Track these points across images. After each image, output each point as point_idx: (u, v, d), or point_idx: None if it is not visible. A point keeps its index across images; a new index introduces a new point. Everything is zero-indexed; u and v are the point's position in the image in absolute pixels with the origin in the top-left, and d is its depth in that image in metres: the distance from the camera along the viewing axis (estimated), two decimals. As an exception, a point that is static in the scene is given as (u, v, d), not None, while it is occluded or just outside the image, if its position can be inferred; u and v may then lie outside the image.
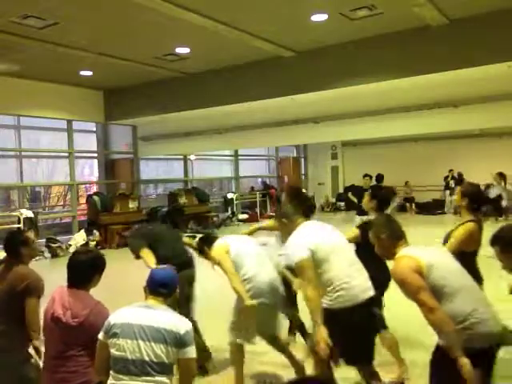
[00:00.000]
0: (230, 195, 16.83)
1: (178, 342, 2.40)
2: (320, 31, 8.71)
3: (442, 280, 2.50)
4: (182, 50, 9.68)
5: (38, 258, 9.33)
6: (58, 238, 11.61)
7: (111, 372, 2.44)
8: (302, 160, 20.98)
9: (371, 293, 3.10)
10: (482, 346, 2.40)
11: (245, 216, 16.90)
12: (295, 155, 20.76)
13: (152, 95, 12.29)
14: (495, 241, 2.51)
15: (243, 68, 10.77)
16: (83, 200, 13.70)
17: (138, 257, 4.35)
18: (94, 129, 14.43)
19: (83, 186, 14.81)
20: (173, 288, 2.66)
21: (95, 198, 12.73)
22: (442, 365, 2.39)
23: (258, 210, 17.28)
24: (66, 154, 13.11)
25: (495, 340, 2.41)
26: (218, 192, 18.49)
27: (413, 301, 2.51)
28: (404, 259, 2.57)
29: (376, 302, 3.26)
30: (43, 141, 13.69)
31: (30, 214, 10.75)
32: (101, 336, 2.49)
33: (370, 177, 10.11)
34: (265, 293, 3.67)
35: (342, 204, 18.48)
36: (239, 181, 18.46)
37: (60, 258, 10.62)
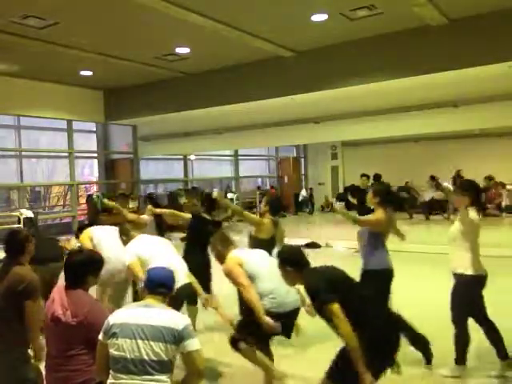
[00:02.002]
0: (229, 195, 16.82)
1: (177, 338, 2.41)
2: (320, 31, 8.71)
3: (254, 269, 3.64)
4: (182, 50, 9.68)
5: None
6: (57, 238, 11.58)
7: (111, 372, 2.45)
8: (302, 160, 20.96)
9: None
10: (279, 311, 3.48)
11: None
12: (295, 155, 20.74)
13: (152, 95, 12.29)
14: (280, 261, 3.21)
15: (243, 68, 10.77)
16: (83, 200, 13.70)
17: None
18: (94, 129, 14.43)
19: (83, 185, 14.81)
20: (171, 287, 2.68)
21: (94, 197, 12.72)
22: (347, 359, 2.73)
23: (257, 210, 17.27)
24: (66, 154, 13.11)
25: (289, 307, 3.54)
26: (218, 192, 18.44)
27: (235, 285, 3.65)
28: (231, 258, 3.73)
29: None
30: (43, 141, 13.70)
31: (30, 213, 10.74)
32: (100, 336, 2.50)
33: (368, 176, 10.11)
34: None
35: (343, 204, 18.44)
36: (239, 181, 18.47)
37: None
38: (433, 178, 14.48)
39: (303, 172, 20.93)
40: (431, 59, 8.58)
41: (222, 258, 3.82)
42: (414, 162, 16.89)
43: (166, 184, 16.61)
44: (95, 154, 14.64)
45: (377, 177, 10.36)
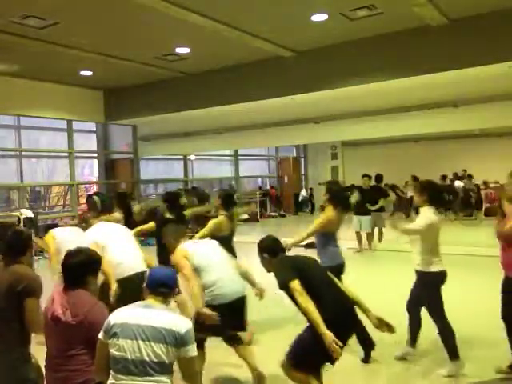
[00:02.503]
0: (229, 195, 16.79)
1: (178, 341, 2.41)
2: (320, 31, 8.70)
3: (201, 262, 3.81)
4: (182, 50, 9.68)
5: (37, 257, 9.33)
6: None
7: (111, 372, 2.44)
8: (302, 160, 20.97)
9: None
10: (220, 302, 3.62)
11: (245, 216, 16.89)
12: (295, 155, 20.75)
13: (152, 95, 12.29)
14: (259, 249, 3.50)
15: (243, 68, 10.76)
16: (83, 200, 13.68)
17: None
18: (94, 129, 14.43)
19: (83, 185, 14.81)
20: (172, 287, 2.67)
21: (95, 197, 12.70)
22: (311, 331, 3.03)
23: (257, 210, 17.28)
24: (66, 154, 13.11)
25: (230, 298, 3.66)
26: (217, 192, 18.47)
27: (180, 276, 3.65)
28: (179, 250, 3.91)
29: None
30: (43, 141, 13.69)
31: (30, 213, 10.73)
32: (101, 336, 2.50)
33: (369, 177, 10.12)
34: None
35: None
36: (239, 181, 18.47)
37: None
38: (415, 178, 14.62)
39: (303, 172, 20.94)
40: (431, 59, 8.57)
41: (172, 250, 4.01)
42: (414, 161, 16.89)
43: (166, 184, 16.61)
44: (95, 154, 14.64)
45: (378, 177, 10.36)
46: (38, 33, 8.23)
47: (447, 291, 4.11)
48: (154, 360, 2.38)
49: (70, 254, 2.88)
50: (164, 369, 2.41)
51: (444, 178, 14.85)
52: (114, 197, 6.47)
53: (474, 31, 8.17)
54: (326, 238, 4.54)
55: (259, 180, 20.71)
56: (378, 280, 7.33)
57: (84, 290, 2.79)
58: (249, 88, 10.73)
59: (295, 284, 3.03)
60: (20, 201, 12.67)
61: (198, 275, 3.75)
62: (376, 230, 10.35)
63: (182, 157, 16.29)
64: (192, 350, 2.44)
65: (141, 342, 2.39)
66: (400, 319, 4.35)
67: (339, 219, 4.62)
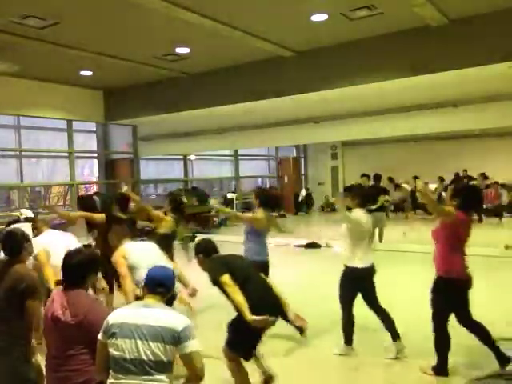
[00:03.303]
0: (229, 195, 16.82)
1: (177, 339, 2.41)
2: (320, 31, 8.70)
3: (134, 260, 4.15)
4: (182, 50, 9.68)
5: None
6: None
7: (111, 372, 2.45)
8: (302, 160, 20.96)
9: None
10: None
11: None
12: (295, 155, 20.75)
13: (152, 95, 12.29)
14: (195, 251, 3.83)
15: (243, 68, 10.77)
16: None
17: None
18: (94, 129, 14.43)
19: (83, 185, 14.81)
20: (170, 286, 2.68)
21: (95, 198, 12.72)
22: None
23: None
24: (66, 154, 13.12)
25: None
26: (218, 192, 18.48)
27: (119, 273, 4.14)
28: (118, 250, 4.28)
29: None
30: (43, 141, 13.69)
31: (30, 213, 10.70)
32: (100, 336, 2.51)
33: (368, 176, 10.12)
34: None
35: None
36: (239, 181, 18.47)
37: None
38: (390, 179, 14.95)
39: (303, 172, 20.94)
40: (431, 59, 8.57)
41: (114, 249, 4.39)
42: (413, 161, 16.89)
43: (166, 184, 16.61)
44: (95, 154, 14.64)
45: (377, 177, 10.37)
46: (38, 33, 8.24)
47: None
48: (153, 359, 2.39)
49: (69, 255, 2.89)
50: (163, 368, 2.41)
51: (391, 179, 14.91)
52: (115, 198, 6.50)
53: (474, 31, 8.17)
54: (255, 235, 5.02)
55: (259, 180, 20.71)
56: (378, 280, 7.31)
57: (84, 290, 2.80)
58: (249, 88, 10.73)
59: (225, 278, 3.40)
60: (20, 201, 12.68)
61: (132, 273, 4.12)
62: (376, 229, 10.35)
63: (181, 157, 16.29)
64: (191, 346, 2.44)
65: (139, 342, 2.40)
66: (400, 317, 4.38)
67: (268, 219, 5.17)
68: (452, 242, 3.93)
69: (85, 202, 7.40)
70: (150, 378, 2.38)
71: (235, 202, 16.60)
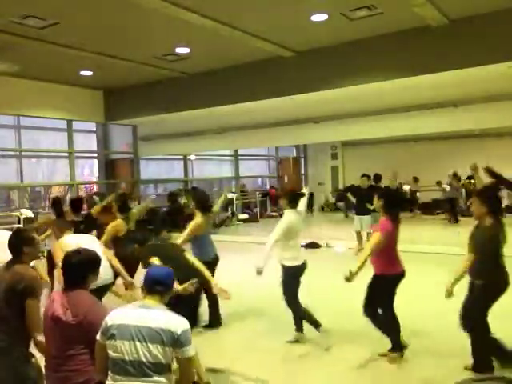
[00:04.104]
0: (230, 195, 16.82)
1: (176, 341, 2.41)
2: (320, 31, 8.70)
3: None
4: (182, 50, 9.68)
5: (40, 258, 9.32)
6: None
7: (109, 373, 2.44)
8: (302, 160, 20.97)
9: None
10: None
11: (245, 216, 16.90)
12: (295, 155, 20.75)
13: (152, 95, 12.29)
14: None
15: (243, 68, 10.76)
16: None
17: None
18: (94, 129, 14.43)
19: (83, 185, 14.81)
20: (168, 286, 2.67)
21: (95, 198, 12.72)
22: None
23: (257, 210, 17.29)
24: (66, 154, 13.11)
25: (100, 284, 4.09)
26: (218, 192, 18.47)
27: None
28: (58, 243, 4.68)
29: None
30: (43, 141, 13.69)
31: (30, 213, 10.73)
32: (98, 337, 2.50)
33: (368, 176, 10.11)
34: None
35: (342, 204, 18.47)
36: (239, 181, 18.47)
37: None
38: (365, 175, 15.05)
39: (303, 172, 20.94)
40: (431, 59, 8.57)
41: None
42: (414, 161, 16.90)
43: (166, 184, 16.61)
44: (95, 154, 14.64)
45: (377, 177, 10.36)
46: (38, 33, 8.23)
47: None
48: (151, 361, 2.38)
49: (69, 255, 2.89)
50: (161, 369, 2.41)
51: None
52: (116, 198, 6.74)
53: (474, 31, 8.16)
54: (200, 238, 5.35)
55: (259, 180, 20.72)
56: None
57: (84, 291, 2.80)
58: (249, 88, 10.72)
59: (153, 260, 3.94)
60: (20, 201, 12.68)
61: None
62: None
63: (181, 157, 16.29)
64: (190, 350, 2.44)
65: (138, 343, 2.39)
66: (401, 317, 4.38)
67: (207, 222, 5.54)
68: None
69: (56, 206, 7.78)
70: (149, 379, 2.38)
71: (235, 202, 16.61)
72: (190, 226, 5.32)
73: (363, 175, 10.11)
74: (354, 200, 10.29)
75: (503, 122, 10.19)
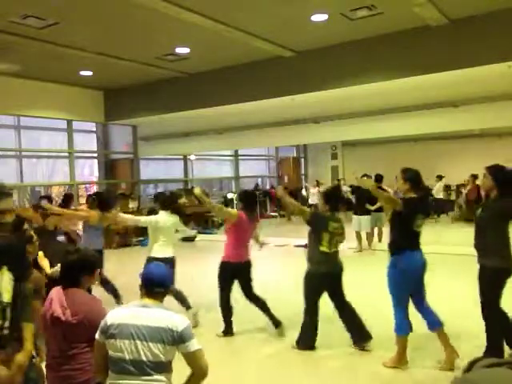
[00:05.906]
0: (229, 195, 16.82)
1: (177, 339, 2.41)
2: (320, 31, 8.70)
3: None
4: (182, 50, 9.68)
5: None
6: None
7: (110, 372, 2.44)
8: (302, 160, 20.97)
9: None
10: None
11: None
12: (295, 155, 20.75)
13: (152, 95, 12.29)
14: None
15: (243, 68, 10.76)
16: (83, 200, 13.67)
17: None
18: (94, 129, 14.43)
19: (83, 185, 14.81)
20: (168, 286, 2.67)
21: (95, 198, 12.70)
22: None
23: (257, 210, 17.24)
24: (66, 154, 13.12)
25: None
26: (218, 192, 18.48)
27: None
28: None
29: None
30: (43, 141, 13.69)
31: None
32: (97, 336, 2.50)
33: (369, 177, 10.11)
34: None
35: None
36: (239, 181, 18.46)
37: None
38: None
39: (303, 172, 20.94)
40: (431, 59, 8.57)
41: None
42: (414, 161, 16.82)
43: (166, 184, 16.61)
44: (95, 154, 14.64)
45: (378, 177, 10.36)
46: (38, 33, 8.23)
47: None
48: (152, 360, 2.38)
49: (64, 255, 2.90)
50: (162, 368, 2.41)
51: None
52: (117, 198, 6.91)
53: (474, 31, 8.17)
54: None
55: (259, 180, 20.72)
56: (377, 280, 7.31)
57: (80, 289, 2.80)
58: (249, 88, 10.73)
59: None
60: (20, 201, 12.67)
61: None
62: (376, 229, 10.36)
63: (181, 157, 16.29)
64: (192, 345, 2.44)
65: (138, 342, 2.39)
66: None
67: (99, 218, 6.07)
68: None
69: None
70: (150, 378, 2.38)
71: (235, 202, 16.60)
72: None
73: (364, 175, 10.10)
74: (353, 200, 10.30)
75: (503, 122, 10.18)
